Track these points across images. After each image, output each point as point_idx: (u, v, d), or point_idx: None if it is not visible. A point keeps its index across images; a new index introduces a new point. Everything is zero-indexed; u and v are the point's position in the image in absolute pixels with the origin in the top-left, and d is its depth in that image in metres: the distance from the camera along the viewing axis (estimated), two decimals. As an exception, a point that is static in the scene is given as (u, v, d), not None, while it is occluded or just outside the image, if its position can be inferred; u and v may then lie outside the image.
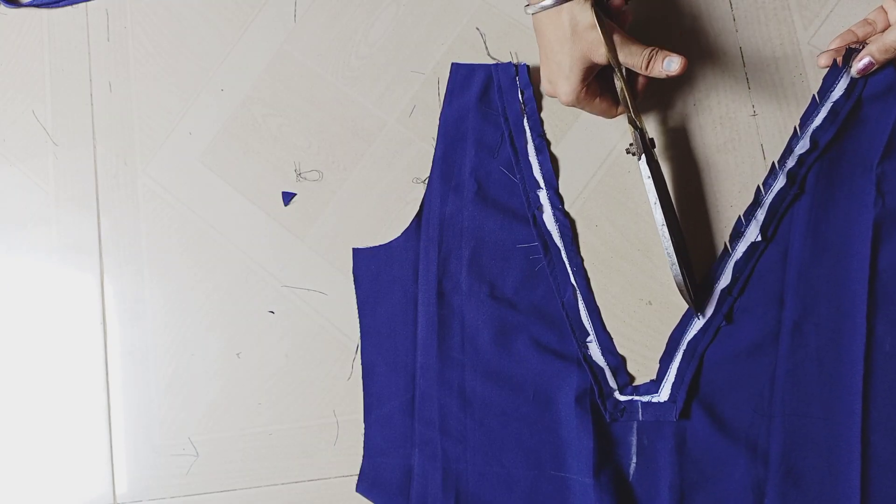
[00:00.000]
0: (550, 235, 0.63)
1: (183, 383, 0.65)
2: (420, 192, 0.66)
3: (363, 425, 0.63)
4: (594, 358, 0.60)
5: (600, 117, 0.62)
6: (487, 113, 0.65)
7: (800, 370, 0.58)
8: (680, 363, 0.59)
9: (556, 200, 0.63)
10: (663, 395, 0.59)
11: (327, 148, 0.68)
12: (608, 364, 0.60)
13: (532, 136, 0.64)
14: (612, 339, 0.61)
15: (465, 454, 0.60)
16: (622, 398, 0.59)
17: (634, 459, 0.58)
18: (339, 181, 0.67)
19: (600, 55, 0.56)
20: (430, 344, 0.62)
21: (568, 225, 0.63)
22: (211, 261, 0.67)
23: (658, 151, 0.63)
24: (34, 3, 0.73)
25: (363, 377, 0.63)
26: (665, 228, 0.57)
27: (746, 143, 0.64)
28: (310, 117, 0.68)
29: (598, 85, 0.59)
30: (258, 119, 0.69)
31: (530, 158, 0.64)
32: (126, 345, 0.67)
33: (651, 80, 0.60)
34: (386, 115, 0.68)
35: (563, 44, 0.56)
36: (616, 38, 0.56)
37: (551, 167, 0.64)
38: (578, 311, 0.61)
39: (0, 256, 0.70)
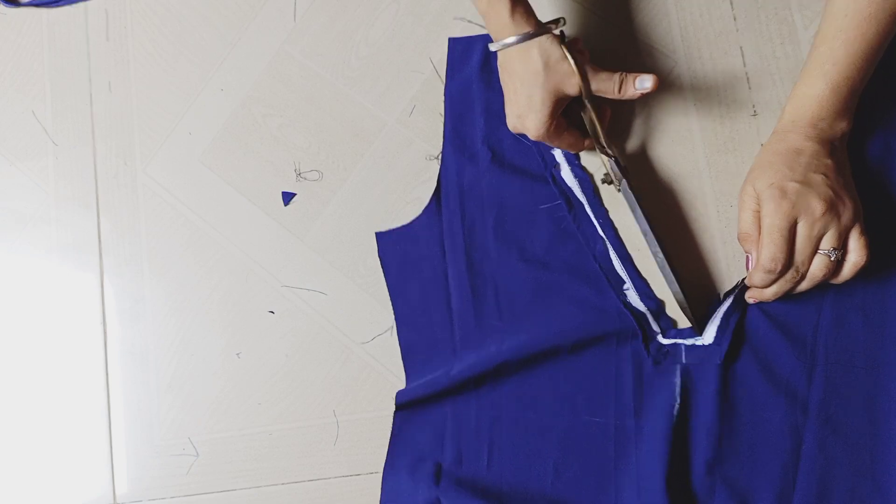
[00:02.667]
0: (572, 191, 0.63)
1: (183, 383, 0.65)
2: (434, 169, 0.66)
3: (363, 424, 0.63)
4: (634, 304, 0.60)
5: (567, 149, 0.62)
6: (491, 81, 0.65)
7: (844, 320, 0.58)
8: (727, 307, 0.59)
9: (572, 156, 0.64)
10: (707, 338, 0.58)
11: (327, 148, 0.68)
12: (648, 308, 0.60)
13: None
14: (648, 284, 0.61)
15: (499, 401, 0.60)
16: (665, 341, 0.59)
17: (678, 401, 0.58)
18: (339, 181, 0.67)
19: (573, 86, 0.56)
20: (467, 315, 0.62)
21: (587, 178, 0.63)
22: (211, 261, 0.67)
23: (655, 158, 0.63)
24: (34, 3, 0.73)
25: (403, 359, 0.63)
26: (660, 254, 0.57)
27: (746, 143, 0.64)
28: (310, 117, 0.68)
29: (564, 119, 0.60)
30: (258, 119, 0.69)
31: None
32: (126, 345, 0.67)
33: (618, 106, 0.61)
34: (386, 115, 0.68)
35: (535, 76, 0.56)
36: (587, 69, 0.57)
37: None
38: (611, 261, 0.61)
39: (0, 256, 0.70)
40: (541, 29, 0.56)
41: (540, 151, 0.64)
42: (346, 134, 0.68)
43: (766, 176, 0.54)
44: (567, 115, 0.60)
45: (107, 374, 0.67)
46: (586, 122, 0.60)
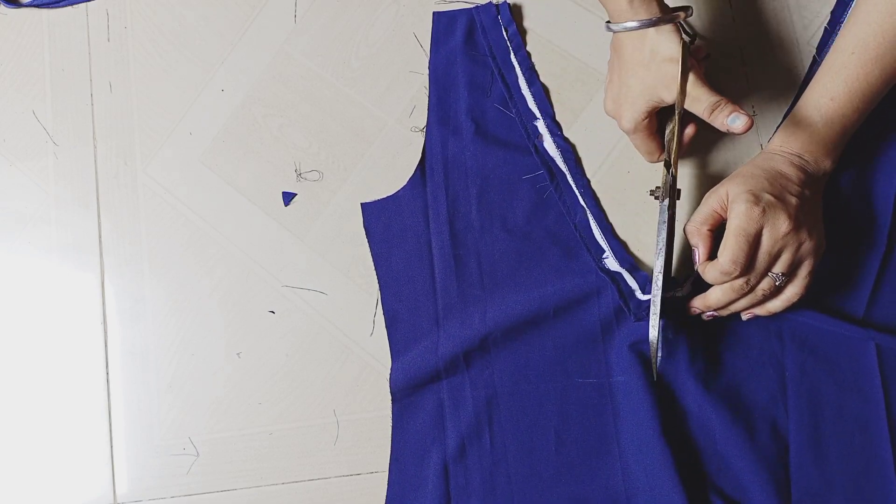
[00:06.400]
0: (554, 161, 0.64)
1: (183, 383, 0.65)
2: (419, 141, 0.66)
3: (363, 424, 0.63)
4: (612, 269, 0.61)
5: (642, 154, 0.61)
6: (475, 55, 0.66)
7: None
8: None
9: (555, 128, 0.65)
10: (686, 289, 0.58)
11: (327, 148, 0.68)
12: (626, 269, 0.61)
13: (521, 69, 0.66)
14: (628, 250, 0.62)
15: (492, 378, 0.61)
16: (644, 297, 0.60)
17: (660, 354, 0.59)
18: (339, 181, 0.67)
19: (671, 93, 0.54)
20: (449, 284, 0.63)
21: (569, 149, 0.64)
22: (211, 261, 0.67)
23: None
24: (34, 3, 0.73)
25: (387, 327, 0.63)
26: (661, 276, 0.55)
27: (746, 144, 0.64)
28: (310, 117, 0.69)
29: (656, 122, 0.59)
30: (258, 119, 0.69)
31: (523, 91, 0.65)
32: (126, 345, 0.67)
33: (699, 134, 0.59)
34: (386, 115, 0.68)
35: (637, 68, 0.56)
36: (690, 78, 0.54)
37: (545, 96, 0.65)
38: (591, 230, 0.62)
39: (0, 256, 0.70)
40: (664, 16, 0.54)
41: (523, 122, 0.65)
42: (346, 134, 0.68)
43: (744, 184, 0.53)
44: (659, 119, 0.59)
45: (107, 374, 0.67)
46: (667, 131, 0.58)
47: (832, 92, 0.54)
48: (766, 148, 0.58)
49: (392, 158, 0.67)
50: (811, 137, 0.55)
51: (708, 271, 0.53)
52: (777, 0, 0.66)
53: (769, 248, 0.52)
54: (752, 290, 0.53)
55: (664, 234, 0.56)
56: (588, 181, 0.63)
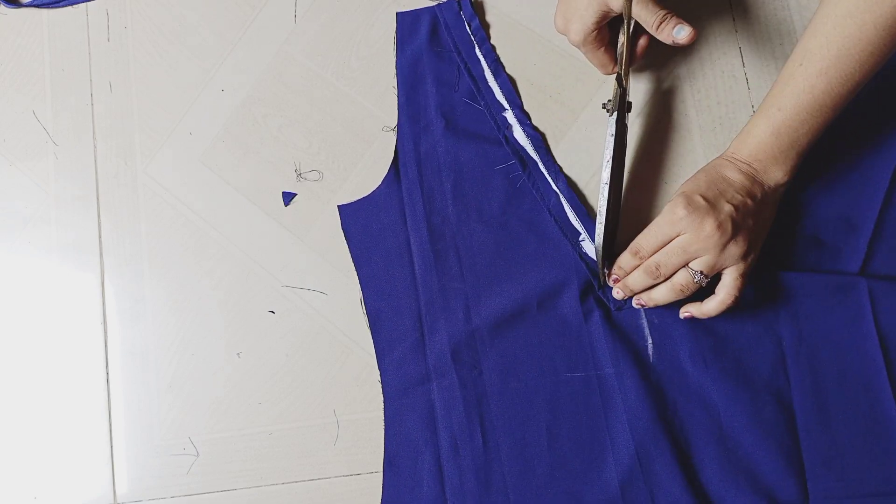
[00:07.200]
0: (525, 150, 0.65)
1: (183, 383, 0.65)
2: (392, 140, 0.67)
3: (363, 424, 0.63)
4: (590, 254, 0.62)
5: (597, 68, 0.63)
6: (440, 52, 0.67)
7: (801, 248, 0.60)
8: None
9: (523, 117, 0.65)
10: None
11: (327, 148, 0.68)
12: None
13: (487, 62, 0.67)
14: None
15: (480, 377, 0.61)
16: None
17: (650, 340, 0.60)
18: (339, 181, 0.67)
19: (618, 2, 0.57)
20: (430, 279, 0.63)
21: (539, 137, 0.65)
22: (211, 261, 0.67)
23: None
24: (34, 3, 0.73)
25: (370, 326, 0.63)
26: (607, 188, 0.57)
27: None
28: (310, 117, 0.69)
29: (607, 34, 0.61)
30: (258, 119, 0.69)
31: (489, 83, 0.66)
32: (126, 345, 0.67)
33: (651, 49, 0.61)
34: (386, 116, 0.68)
35: None
36: None
37: (511, 87, 0.66)
38: (565, 213, 0.63)
39: (0, 256, 0.70)
40: None
41: (492, 114, 0.65)
42: (346, 134, 0.68)
43: (685, 186, 0.56)
44: (611, 32, 0.61)
45: (107, 374, 0.67)
46: (619, 44, 0.60)
47: (780, 103, 0.54)
48: (724, 152, 0.57)
49: (391, 158, 0.67)
50: (759, 146, 0.55)
51: (621, 257, 0.57)
52: (777, 0, 0.66)
53: (684, 245, 0.54)
54: (666, 278, 0.55)
55: (612, 147, 0.57)
56: (559, 167, 0.64)
